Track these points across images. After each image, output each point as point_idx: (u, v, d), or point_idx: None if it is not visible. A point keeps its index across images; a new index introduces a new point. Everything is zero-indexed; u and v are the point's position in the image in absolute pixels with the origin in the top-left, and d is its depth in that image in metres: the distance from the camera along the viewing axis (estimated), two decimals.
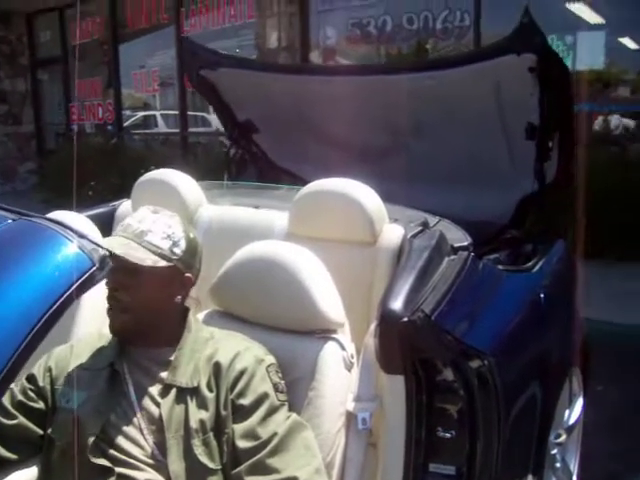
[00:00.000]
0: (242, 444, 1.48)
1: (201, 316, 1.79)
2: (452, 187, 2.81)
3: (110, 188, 7.95)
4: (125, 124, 10.84)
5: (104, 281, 1.27)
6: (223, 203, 2.45)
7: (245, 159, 3.45)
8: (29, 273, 0.92)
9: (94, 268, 0.93)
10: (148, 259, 1.54)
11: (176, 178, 2.40)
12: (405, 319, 1.54)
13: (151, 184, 2.43)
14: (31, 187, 10.42)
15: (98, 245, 0.97)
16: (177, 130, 10.07)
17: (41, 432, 1.60)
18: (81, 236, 0.98)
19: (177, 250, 1.59)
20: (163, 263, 1.56)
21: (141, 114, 12.70)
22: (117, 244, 1.53)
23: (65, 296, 0.90)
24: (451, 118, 2.77)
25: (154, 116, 12.95)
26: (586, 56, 6.84)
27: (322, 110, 2.97)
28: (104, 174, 8.55)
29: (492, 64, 2.49)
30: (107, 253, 0.98)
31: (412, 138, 2.98)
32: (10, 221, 1.01)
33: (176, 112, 10.04)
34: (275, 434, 1.49)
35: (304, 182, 2.16)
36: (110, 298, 1.54)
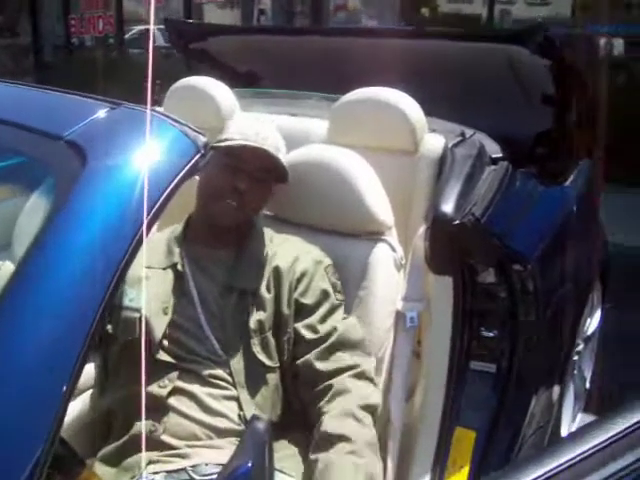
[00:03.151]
0: (305, 337, 1.56)
1: None
2: (476, 113, 2.83)
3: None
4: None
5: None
6: (256, 111, 2.45)
7: None
8: (136, 159, 0.94)
9: (199, 154, 0.95)
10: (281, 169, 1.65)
11: (211, 85, 2.39)
12: (457, 222, 1.59)
13: (185, 91, 2.41)
14: None
15: (200, 132, 0.99)
16: None
17: None
18: (181, 123, 1.00)
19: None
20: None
21: (138, 28, 12.43)
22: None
23: (173, 184, 0.91)
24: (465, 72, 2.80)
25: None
26: None
27: (323, 66, 2.98)
28: (106, 88, 8.42)
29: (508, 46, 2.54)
30: (206, 141, 0.99)
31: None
32: (108, 109, 1.02)
33: None
34: (335, 329, 1.56)
35: None
36: (233, 198, 1.59)
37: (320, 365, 1.54)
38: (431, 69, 2.66)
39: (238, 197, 1.59)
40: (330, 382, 1.52)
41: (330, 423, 1.46)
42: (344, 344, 1.56)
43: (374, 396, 1.53)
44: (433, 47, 2.79)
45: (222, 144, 1.61)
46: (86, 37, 10.47)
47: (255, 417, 1.09)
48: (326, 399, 1.51)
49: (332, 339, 1.55)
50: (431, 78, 2.72)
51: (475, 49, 2.68)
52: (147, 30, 12.48)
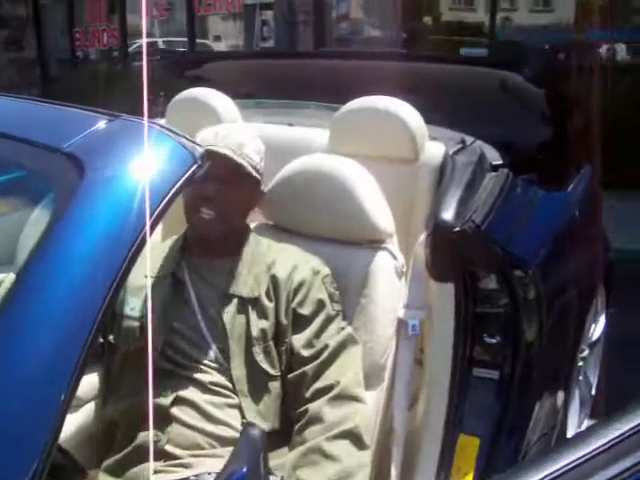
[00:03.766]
0: (299, 353, 1.56)
1: None
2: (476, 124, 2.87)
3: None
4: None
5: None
6: (256, 121, 2.46)
7: None
8: (134, 170, 0.95)
9: (196, 165, 0.96)
10: (249, 167, 1.63)
11: (213, 96, 2.40)
12: (457, 229, 1.60)
13: (187, 102, 2.43)
14: None
15: (197, 144, 1.00)
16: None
17: (101, 340, 1.66)
18: (178, 135, 1.01)
19: (262, 165, 1.68)
20: (256, 175, 1.66)
21: (142, 41, 12.47)
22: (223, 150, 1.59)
23: (170, 194, 0.92)
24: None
25: (156, 43, 12.73)
26: None
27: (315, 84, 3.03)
28: (110, 100, 8.46)
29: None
30: (204, 152, 1.00)
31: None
32: (107, 121, 1.03)
33: (178, 39, 9.88)
34: (327, 346, 1.56)
35: None
36: (207, 206, 1.57)
37: (302, 389, 1.54)
38: (426, 89, 2.72)
39: (213, 206, 1.58)
40: (306, 407, 1.52)
41: (294, 460, 1.47)
42: (333, 361, 1.55)
43: (356, 416, 1.51)
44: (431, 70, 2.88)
45: None
46: (91, 50, 10.52)
47: (249, 424, 1.09)
48: (298, 426, 1.51)
49: (322, 357, 1.55)
50: (427, 98, 2.77)
51: (472, 72, 2.77)
52: (152, 43, 12.58)
